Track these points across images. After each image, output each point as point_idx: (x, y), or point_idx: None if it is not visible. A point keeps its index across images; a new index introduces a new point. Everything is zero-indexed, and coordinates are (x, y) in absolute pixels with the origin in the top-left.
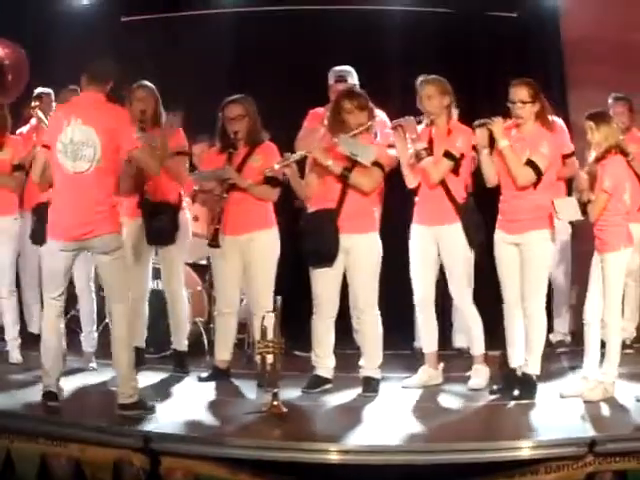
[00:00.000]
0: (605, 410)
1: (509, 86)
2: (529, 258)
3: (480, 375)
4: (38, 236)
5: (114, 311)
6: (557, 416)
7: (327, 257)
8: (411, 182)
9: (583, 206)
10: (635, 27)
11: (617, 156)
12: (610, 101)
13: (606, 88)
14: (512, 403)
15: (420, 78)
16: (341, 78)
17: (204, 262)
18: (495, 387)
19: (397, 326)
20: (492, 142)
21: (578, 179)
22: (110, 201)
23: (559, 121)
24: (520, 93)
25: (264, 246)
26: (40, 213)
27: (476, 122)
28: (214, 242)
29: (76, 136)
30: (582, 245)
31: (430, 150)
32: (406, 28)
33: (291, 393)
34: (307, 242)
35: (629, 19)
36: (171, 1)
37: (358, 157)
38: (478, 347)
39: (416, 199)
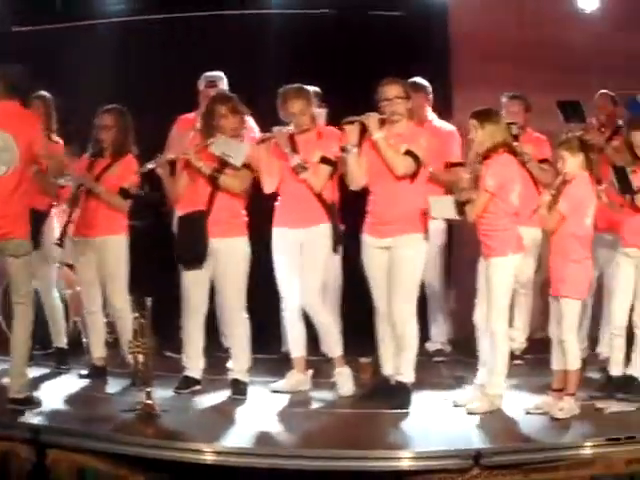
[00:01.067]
0: (492, 422)
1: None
2: (400, 263)
3: (344, 379)
4: None
5: (17, 310)
6: (440, 427)
7: (196, 260)
8: (270, 187)
9: (461, 206)
10: (528, 23)
11: (504, 155)
12: (504, 100)
13: (497, 86)
14: (389, 411)
15: (281, 90)
16: (212, 83)
17: None
18: (367, 394)
19: (266, 330)
20: (361, 143)
21: (460, 180)
22: (23, 205)
23: (452, 128)
24: (394, 90)
25: (113, 250)
26: None
27: (347, 119)
28: (58, 241)
29: None
30: (461, 250)
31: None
32: (288, 31)
33: (165, 393)
34: (178, 244)
35: (521, 15)
36: (59, 12)
37: (230, 158)
38: (335, 350)
39: (276, 203)
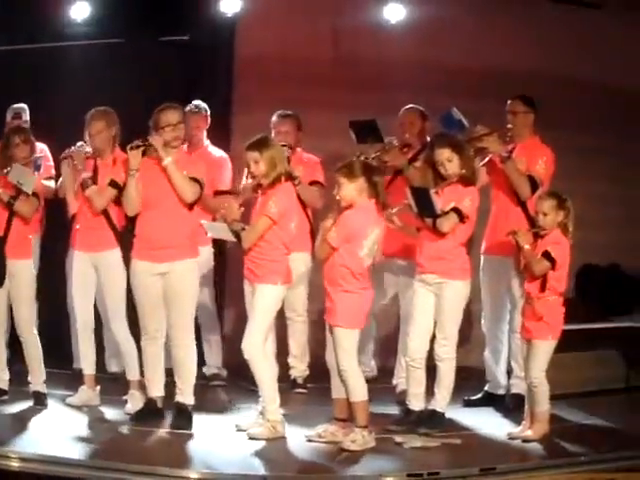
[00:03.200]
0: (276, 449)
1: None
2: (177, 289)
3: (135, 401)
4: None
5: None
6: (223, 450)
7: None
8: (74, 208)
9: (236, 234)
10: (322, 41)
11: (287, 183)
12: (274, 119)
13: (284, 108)
14: (173, 432)
15: (88, 115)
16: (17, 115)
17: None
18: (137, 415)
19: (59, 346)
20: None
21: (230, 209)
22: None
23: (223, 154)
24: (178, 115)
25: None
26: None
27: (131, 144)
28: None
29: None
30: (236, 272)
31: (94, 179)
32: (84, 62)
33: None
34: None
35: (315, 33)
36: None
37: (22, 186)
38: (132, 373)
39: (77, 226)
